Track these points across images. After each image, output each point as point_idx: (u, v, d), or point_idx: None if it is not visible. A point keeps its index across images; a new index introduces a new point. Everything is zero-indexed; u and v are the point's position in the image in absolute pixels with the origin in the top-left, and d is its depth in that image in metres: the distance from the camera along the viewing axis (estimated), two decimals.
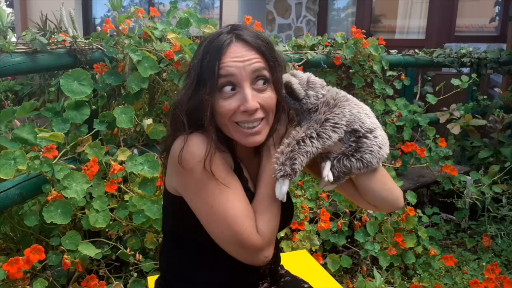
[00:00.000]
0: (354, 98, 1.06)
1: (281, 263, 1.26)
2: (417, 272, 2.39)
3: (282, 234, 2.09)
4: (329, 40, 2.84)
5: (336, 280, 1.56)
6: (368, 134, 1.00)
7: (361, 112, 1.02)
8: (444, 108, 3.38)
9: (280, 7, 5.91)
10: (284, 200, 0.97)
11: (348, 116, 1.00)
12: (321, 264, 2.06)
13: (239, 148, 1.05)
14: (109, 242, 1.78)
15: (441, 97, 3.15)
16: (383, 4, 5.74)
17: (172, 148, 0.97)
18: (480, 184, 2.85)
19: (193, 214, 0.98)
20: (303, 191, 2.29)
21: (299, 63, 2.58)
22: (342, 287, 1.65)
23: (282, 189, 0.95)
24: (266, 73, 0.96)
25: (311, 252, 2.11)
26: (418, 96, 3.42)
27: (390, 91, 2.97)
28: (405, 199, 2.50)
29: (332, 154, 1.01)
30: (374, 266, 2.25)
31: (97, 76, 1.93)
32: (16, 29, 6.51)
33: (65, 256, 1.60)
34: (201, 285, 1.07)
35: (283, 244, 2.06)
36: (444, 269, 2.44)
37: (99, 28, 3.50)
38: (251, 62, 0.94)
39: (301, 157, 0.95)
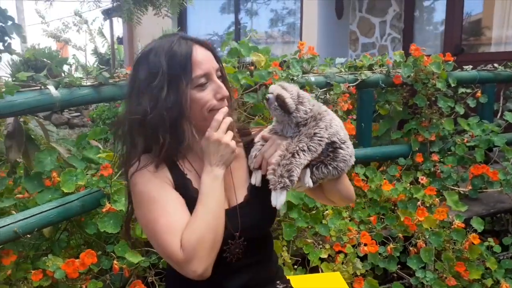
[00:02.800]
0: (330, 111, 1.13)
1: (282, 275, 1.27)
2: None
3: (325, 255, 2.08)
4: (389, 58, 2.77)
5: None
6: (343, 145, 1.11)
7: (337, 125, 1.11)
8: None
9: (364, 27, 5.85)
10: (280, 208, 1.05)
11: (329, 129, 1.09)
12: None
13: (192, 159, 1.10)
14: None
15: None
16: (476, 16, 5.33)
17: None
18: None
19: None
20: (347, 213, 2.25)
21: (353, 84, 2.57)
22: None
23: (281, 199, 1.04)
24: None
25: (355, 275, 2.06)
26: (499, 114, 3.12)
27: (460, 110, 2.78)
28: (469, 225, 2.30)
29: (312, 162, 1.10)
30: None
31: None
32: (124, 63, 7.41)
33: (115, 261, 1.82)
34: None
35: (323, 266, 2.05)
36: None
37: None
38: (214, 60, 1.07)
39: (297, 169, 1.04)
